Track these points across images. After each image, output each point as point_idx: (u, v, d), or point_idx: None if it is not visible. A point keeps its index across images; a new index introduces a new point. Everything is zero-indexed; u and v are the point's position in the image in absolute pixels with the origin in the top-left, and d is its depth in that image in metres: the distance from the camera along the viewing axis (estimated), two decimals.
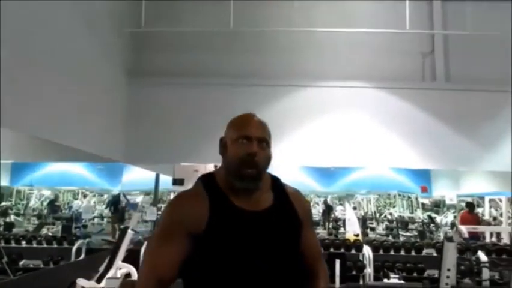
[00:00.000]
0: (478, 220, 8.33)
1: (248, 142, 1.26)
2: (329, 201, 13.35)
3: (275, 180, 1.40)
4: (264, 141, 1.30)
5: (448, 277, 2.71)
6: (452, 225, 9.26)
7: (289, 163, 7.54)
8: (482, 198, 11.07)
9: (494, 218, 11.09)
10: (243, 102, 6.34)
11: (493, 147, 6.24)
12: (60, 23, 4.24)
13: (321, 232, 10.91)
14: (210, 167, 13.60)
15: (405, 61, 6.47)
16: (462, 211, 9.46)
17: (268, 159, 1.30)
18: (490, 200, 11.29)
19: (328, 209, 12.59)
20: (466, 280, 3.47)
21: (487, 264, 4.90)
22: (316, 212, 13.94)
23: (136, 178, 11.85)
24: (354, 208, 11.88)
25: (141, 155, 6.40)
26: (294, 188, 1.43)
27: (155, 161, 7.32)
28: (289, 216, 1.32)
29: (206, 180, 1.31)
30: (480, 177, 10.35)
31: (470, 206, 8.96)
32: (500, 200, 10.87)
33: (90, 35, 5.04)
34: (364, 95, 6.30)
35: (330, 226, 11.02)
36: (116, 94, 5.98)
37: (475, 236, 8.17)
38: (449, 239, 3.04)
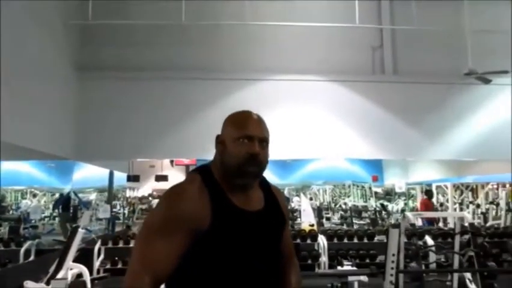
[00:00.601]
0: (432, 207, 8.82)
1: (250, 142, 1.24)
2: (286, 193, 13.54)
3: (263, 178, 1.39)
4: (265, 141, 1.28)
5: (392, 262, 2.84)
6: (402, 211, 9.67)
7: None
8: (430, 185, 11.63)
9: (441, 204, 11.70)
10: (198, 96, 6.32)
11: (439, 137, 6.58)
12: (4, 15, 4.01)
13: None
14: (166, 163, 13.45)
15: (356, 55, 6.67)
16: (422, 198, 9.86)
17: (267, 158, 1.30)
18: (437, 187, 11.89)
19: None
20: (413, 264, 3.66)
21: (433, 248, 5.18)
22: None
23: (89, 175, 11.47)
24: (311, 199, 12.13)
25: (93, 152, 6.23)
26: (276, 187, 1.44)
27: (108, 157, 7.14)
28: (279, 216, 1.34)
29: (204, 174, 1.26)
30: (428, 166, 10.90)
31: (429, 193, 9.36)
32: (446, 187, 11.48)
33: (36, 27, 4.81)
34: (317, 88, 6.44)
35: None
36: (65, 89, 5.76)
37: (432, 221, 8.59)
38: (394, 226, 3.18)
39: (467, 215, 4.05)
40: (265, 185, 1.37)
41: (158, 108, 6.21)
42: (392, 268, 2.81)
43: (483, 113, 6.59)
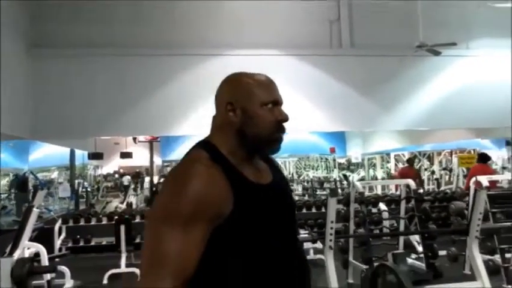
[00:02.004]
0: (416, 174, 8.68)
1: (276, 107, 1.13)
2: None
3: None
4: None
5: (331, 228, 3.03)
6: (362, 180, 10.02)
7: (207, 132, 7.63)
8: (388, 154, 12.07)
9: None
10: (157, 72, 6.28)
11: (394, 108, 6.83)
12: None
13: None
14: (130, 140, 13.31)
15: (314, 29, 6.73)
16: (403, 166, 9.91)
17: None
18: (396, 156, 12.36)
19: None
20: (361, 230, 3.89)
21: (386, 214, 5.49)
22: None
23: (51, 154, 11.26)
24: None
25: (52, 130, 6.12)
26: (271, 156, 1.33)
27: (68, 135, 7.04)
28: (288, 189, 1.26)
29: (209, 150, 1.09)
30: (387, 136, 11.29)
31: (410, 161, 9.54)
32: (404, 155, 11.96)
33: None
34: (276, 62, 6.49)
35: None
36: (18, 67, 5.58)
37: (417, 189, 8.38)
38: (332, 194, 3.36)
39: (411, 182, 4.30)
40: (265, 155, 1.25)
41: (118, 85, 6.14)
42: (331, 234, 2.99)
43: (435, 83, 6.87)
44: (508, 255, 4.65)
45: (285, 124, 1.13)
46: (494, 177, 5.38)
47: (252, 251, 1.04)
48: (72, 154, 9.84)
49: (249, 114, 1.10)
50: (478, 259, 3.38)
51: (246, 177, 1.07)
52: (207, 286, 1.01)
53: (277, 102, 1.13)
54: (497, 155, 12.34)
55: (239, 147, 1.11)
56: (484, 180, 4.49)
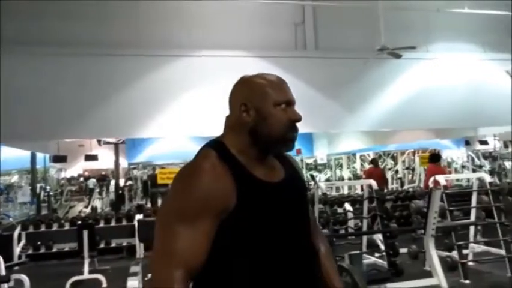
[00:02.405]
0: (382, 174, 8.92)
1: (289, 107, 1.15)
2: None
3: None
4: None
5: None
6: (327, 180, 10.18)
7: (176, 133, 7.57)
8: (354, 155, 12.30)
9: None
10: (123, 72, 6.16)
11: (358, 110, 6.97)
12: None
13: None
14: (94, 142, 12.99)
15: (280, 31, 6.79)
16: (369, 166, 10.09)
17: None
18: (361, 156, 12.62)
19: None
20: (325, 230, 3.96)
21: (351, 214, 5.60)
22: None
23: (10, 157, 10.81)
24: None
25: (13, 133, 5.86)
26: (290, 155, 1.33)
27: (30, 138, 6.81)
28: (302, 186, 1.26)
29: (218, 149, 1.12)
30: (353, 136, 11.52)
31: (374, 161, 9.76)
32: (369, 155, 12.23)
33: None
34: (242, 63, 6.48)
35: None
36: None
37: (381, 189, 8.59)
38: None
39: (373, 182, 4.41)
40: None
41: (82, 85, 5.95)
42: None
43: (397, 86, 7.06)
44: (465, 251, 4.87)
45: None
46: (453, 176, 5.58)
47: (255, 246, 1.07)
48: (33, 157, 9.52)
49: (263, 115, 1.13)
50: (434, 256, 3.50)
51: (253, 174, 1.10)
52: (213, 279, 1.06)
53: (290, 103, 1.16)
54: (457, 154, 12.83)
55: (251, 147, 1.14)
56: (442, 179, 4.66)
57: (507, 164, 10.89)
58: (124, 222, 6.70)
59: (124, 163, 13.58)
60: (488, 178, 5.09)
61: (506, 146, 11.89)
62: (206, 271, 1.04)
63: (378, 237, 4.89)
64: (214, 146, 1.15)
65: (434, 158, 7.09)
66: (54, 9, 5.92)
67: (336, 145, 12.07)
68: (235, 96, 1.19)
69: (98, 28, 6.11)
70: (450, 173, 9.50)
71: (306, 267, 1.14)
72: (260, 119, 1.13)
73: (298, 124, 1.17)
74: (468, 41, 7.42)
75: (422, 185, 9.49)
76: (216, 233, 1.04)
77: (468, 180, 7.25)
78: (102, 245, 6.35)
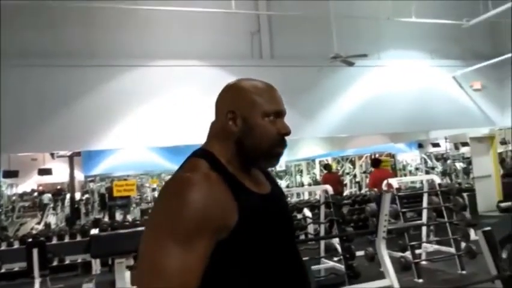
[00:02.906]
0: (338, 179, 9.12)
1: (278, 119, 1.06)
2: None
3: None
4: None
5: None
6: (287, 187, 10.26)
7: (133, 144, 7.41)
8: (313, 161, 12.50)
9: None
10: (78, 83, 6.00)
11: (315, 116, 7.10)
12: None
13: None
14: (48, 156, 12.50)
15: (236, 40, 6.83)
16: (324, 173, 10.24)
17: None
18: (320, 161, 12.84)
19: None
20: None
21: (309, 220, 5.67)
22: None
23: None
24: None
25: None
26: None
27: None
28: (284, 197, 1.21)
29: (208, 159, 1.03)
30: (311, 143, 11.72)
31: (327, 167, 9.88)
32: (328, 161, 12.46)
33: None
34: (200, 73, 6.49)
35: None
36: None
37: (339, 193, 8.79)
38: None
39: (329, 187, 4.50)
40: None
41: (34, 97, 5.74)
42: None
43: (351, 92, 7.26)
44: (418, 251, 5.04)
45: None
46: (405, 178, 5.77)
47: (257, 263, 1.00)
48: None
49: (250, 125, 1.04)
50: (386, 257, 3.59)
51: (248, 187, 1.03)
52: None
53: (280, 114, 1.07)
54: (411, 157, 13.32)
55: (236, 157, 1.05)
56: (395, 182, 4.81)
57: (458, 165, 11.41)
58: (79, 238, 6.47)
59: (80, 176, 13.15)
60: (437, 180, 5.30)
61: (456, 148, 12.47)
62: None
63: (336, 241, 4.97)
64: (203, 155, 1.04)
65: (375, 162, 7.34)
66: (4, 18, 5.68)
67: (295, 152, 12.23)
68: (222, 102, 1.09)
69: (50, 38, 5.93)
70: (404, 175, 9.83)
71: (303, 280, 1.11)
72: (247, 129, 1.05)
73: None
74: (417, 49, 7.76)
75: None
76: (215, 252, 0.93)
77: (421, 182, 7.51)
78: (55, 263, 6.08)
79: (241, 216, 0.95)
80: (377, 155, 11.77)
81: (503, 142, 10.37)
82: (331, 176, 8.50)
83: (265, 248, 1.01)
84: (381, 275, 4.35)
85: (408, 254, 4.54)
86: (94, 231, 6.09)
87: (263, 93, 1.07)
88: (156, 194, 13.82)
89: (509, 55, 6.80)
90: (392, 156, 12.38)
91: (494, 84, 7.99)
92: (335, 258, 4.78)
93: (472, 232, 4.93)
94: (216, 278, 0.95)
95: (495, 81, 7.98)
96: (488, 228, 2.47)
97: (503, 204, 5.74)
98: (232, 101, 1.06)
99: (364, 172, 11.79)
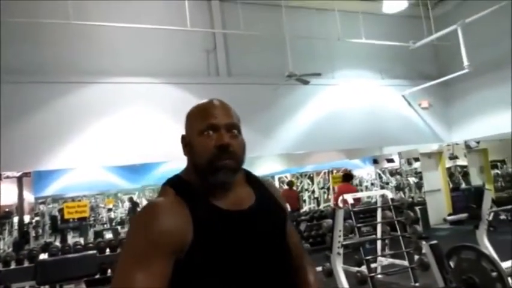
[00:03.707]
0: (296, 195, 9.36)
1: (215, 133, 1.07)
2: (135, 198, 13.20)
3: (248, 173, 1.22)
4: (235, 128, 1.11)
5: None
6: None
7: (88, 164, 7.16)
8: (273, 177, 12.56)
9: None
10: (26, 100, 5.77)
11: (271, 134, 7.17)
12: None
13: (127, 230, 10.76)
14: (13, 175, 11.83)
15: (192, 57, 6.83)
16: (285, 188, 10.43)
17: (243, 147, 1.12)
18: (279, 178, 12.93)
19: (134, 206, 12.46)
20: None
21: None
22: (123, 210, 13.66)
23: None
24: None
25: None
26: (269, 180, 1.29)
27: None
28: (276, 211, 1.18)
29: (176, 184, 1.09)
30: (271, 159, 11.80)
31: (290, 183, 10.04)
32: (287, 177, 12.57)
33: None
34: (155, 90, 6.41)
35: None
36: None
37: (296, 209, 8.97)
38: None
39: (286, 204, 4.51)
40: (253, 179, 1.21)
41: None
42: None
43: (307, 110, 7.41)
44: (373, 265, 5.13)
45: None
46: (359, 194, 5.92)
47: (211, 283, 1.02)
48: None
49: (191, 145, 1.10)
50: (340, 273, 3.65)
51: (214, 205, 1.05)
52: None
53: (215, 127, 1.08)
54: (367, 172, 13.69)
55: (200, 178, 1.09)
56: (350, 198, 4.91)
57: (410, 179, 11.84)
58: (26, 264, 6.11)
59: (30, 198, 12.51)
60: (390, 194, 5.47)
61: (409, 163, 12.95)
62: None
63: None
64: (172, 181, 1.12)
65: (347, 177, 7.51)
66: None
67: (254, 169, 12.23)
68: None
69: None
70: (361, 191, 10.09)
71: None
72: (191, 150, 1.11)
73: None
74: (368, 68, 8.08)
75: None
76: (174, 273, 0.99)
77: (376, 197, 7.74)
78: None
79: (196, 238, 1.00)
80: (334, 171, 12.02)
81: (452, 157, 10.89)
82: (290, 193, 8.63)
83: (221, 268, 1.02)
84: None
85: (364, 268, 4.61)
86: (43, 256, 5.81)
87: (200, 112, 1.13)
88: (112, 214, 13.40)
89: (452, 75, 7.22)
90: (343, 173, 12.70)
91: (441, 102, 8.43)
92: None
93: (423, 245, 5.09)
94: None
95: (442, 100, 8.42)
96: (435, 241, 2.56)
97: (450, 218, 6.00)
98: (185, 127, 1.16)
99: (322, 188, 11.99)
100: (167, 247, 0.98)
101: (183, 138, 1.15)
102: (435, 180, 9.42)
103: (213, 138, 1.08)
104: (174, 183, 1.10)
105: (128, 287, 0.94)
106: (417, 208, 7.84)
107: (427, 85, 7.87)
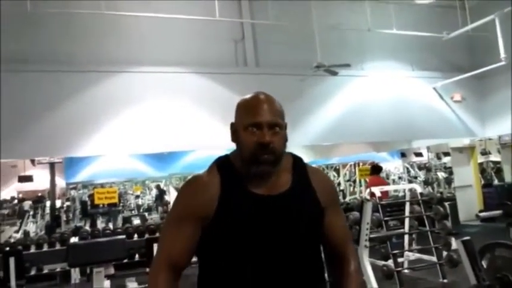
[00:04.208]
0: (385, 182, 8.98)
1: (258, 130, 1.17)
2: (162, 185, 13.41)
3: (297, 161, 1.31)
4: (277, 125, 1.21)
5: None
6: None
7: (117, 151, 7.33)
8: None
9: None
10: (58, 89, 5.91)
11: (299, 125, 7.11)
12: None
13: (155, 217, 10.95)
14: (29, 162, 12.29)
15: (220, 47, 6.83)
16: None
17: (283, 143, 1.24)
18: None
19: (161, 194, 12.66)
20: None
21: None
22: (151, 197, 13.90)
23: None
24: None
25: None
26: (316, 169, 1.35)
27: None
28: (307, 199, 1.23)
29: (221, 162, 1.25)
30: (296, 151, 11.67)
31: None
32: None
33: None
34: (183, 80, 6.46)
35: (163, 210, 11.16)
36: None
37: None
38: None
39: None
40: (299, 168, 1.29)
41: (12, 103, 5.62)
42: None
43: (335, 101, 7.31)
44: (400, 260, 5.07)
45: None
46: (387, 187, 5.82)
47: (225, 252, 1.15)
48: None
49: (238, 136, 1.22)
50: (368, 267, 3.60)
51: (246, 186, 1.17)
52: (199, 278, 1.23)
53: (259, 125, 1.17)
54: (394, 166, 13.46)
55: (243, 164, 1.21)
56: (377, 191, 4.84)
57: (439, 174, 11.57)
58: (58, 246, 6.33)
59: (61, 183, 12.92)
60: (419, 189, 5.37)
61: (438, 158, 12.65)
62: (199, 270, 1.22)
63: None
64: (220, 160, 1.27)
65: (375, 169, 7.36)
66: None
67: None
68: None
69: (30, 44, 5.85)
70: (387, 184, 9.91)
71: (286, 282, 1.14)
72: (237, 140, 1.22)
73: None
74: (398, 60, 7.88)
75: (362, 195, 9.81)
76: (203, 237, 1.17)
77: (404, 191, 7.59)
78: (33, 272, 5.93)
79: (216, 214, 1.14)
80: (360, 164, 11.86)
81: (484, 153, 10.56)
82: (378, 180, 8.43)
83: (234, 244, 1.15)
84: (363, 284, 4.36)
85: (390, 262, 4.56)
86: (74, 239, 5.99)
87: (247, 107, 1.23)
88: (140, 201, 13.69)
89: (488, 68, 6.96)
90: (371, 166, 12.50)
91: (474, 96, 8.15)
92: None
93: (452, 241, 4.98)
94: (201, 259, 1.21)
95: (475, 93, 8.15)
96: (468, 237, 2.49)
97: (483, 214, 5.83)
98: (234, 116, 1.27)
99: (348, 180, 11.86)
100: (193, 215, 1.16)
101: (232, 125, 1.26)
102: (467, 176, 9.16)
103: (256, 135, 1.17)
104: (220, 162, 1.25)
105: (163, 239, 1.23)
106: (446, 204, 7.64)
107: (460, 77, 7.62)
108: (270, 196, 1.18)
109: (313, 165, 1.49)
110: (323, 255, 1.31)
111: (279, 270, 1.14)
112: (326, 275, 1.33)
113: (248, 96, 1.27)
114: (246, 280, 1.14)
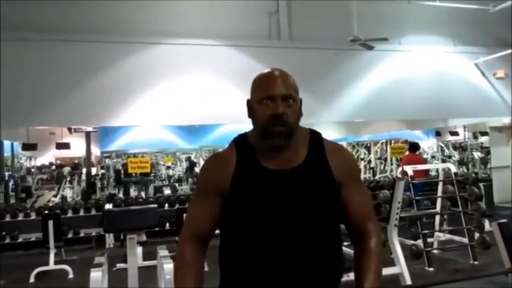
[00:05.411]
0: (422, 160, 8.64)
1: (272, 102, 1.18)
2: (193, 157, 13.63)
3: (314, 136, 1.29)
4: (290, 98, 1.19)
5: None
6: None
7: (150, 122, 7.45)
8: None
9: None
10: (93, 59, 6.04)
11: (331, 100, 7.01)
12: None
13: (185, 188, 11.17)
14: (66, 130, 12.72)
15: (253, 20, 6.74)
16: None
17: (297, 115, 1.21)
18: None
19: (191, 165, 12.87)
20: None
21: None
22: (181, 168, 14.16)
23: None
24: None
25: None
26: (334, 143, 1.32)
27: None
28: (320, 174, 1.22)
29: (238, 139, 1.30)
30: (326, 127, 11.58)
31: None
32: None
33: None
34: (215, 52, 6.44)
35: (193, 181, 11.37)
36: None
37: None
38: None
39: None
40: (316, 143, 1.26)
41: (50, 72, 5.80)
42: None
43: (369, 77, 7.14)
44: (430, 240, 4.99)
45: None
46: (420, 166, 5.68)
47: (239, 226, 1.19)
48: (0, 145, 9.22)
49: (253, 111, 1.24)
50: (397, 245, 3.57)
51: (259, 161, 1.21)
52: (220, 250, 1.27)
53: (272, 97, 1.18)
54: (428, 144, 13.11)
55: (258, 138, 1.24)
56: (409, 169, 4.74)
57: (475, 154, 11.20)
58: (93, 212, 6.59)
59: (96, 151, 13.35)
60: (454, 168, 5.21)
61: (475, 137, 12.21)
62: (220, 242, 1.27)
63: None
64: (238, 137, 1.31)
65: (413, 147, 7.15)
66: None
67: None
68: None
69: (69, 14, 5.97)
70: (425, 162, 9.68)
71: (294, 258, 1.15)
72: (253, 114, 1.24)
73: None
74: (438, 34, 7.55)
75: (393, 174, 9.65)
76: (222, 210, 1.22)
77: (437, 170, 7.40)
78: (70, 235, 6.23)
79: (232, 186, 1.20)
80: (392, 142, 11.62)
81: None
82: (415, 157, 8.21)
83: (246, 218, 1.18)
84: (391, 262, 4.34)
85: (420, 242, 4.50)
86: (108, 206, 6.22)
87: (261, 81, 1.24)
88: (171, 172, 14.01)
89: None
90: (409, 143, 12.21)
91: None
92: (345, 243, 4.78)
93: (486, 223, 4.85)
94: (220, 229, 1.26)
95: None
96: (504, 220, 2.41)
97: None
98: (250, 92, 1.26)
99: (379, 158, 11.67)
100: (212, 189, 1.23)
101: (248, 101, 1.26)
102: (505, 157, 8.81)
103: (270, 107, 1.18)
104: (238, 139, 1.30)
105: (189, 212, 1.33)
106: (481, 184, 7.41)
107: (505, 53, 7.23)
108: (281, 170, 1.19)
109: (339, 142, 1.46)
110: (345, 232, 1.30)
111: (289, 245, 1.15)
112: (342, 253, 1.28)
113: (265, 72, 1.26)
114: (258, 254, 1.16)
